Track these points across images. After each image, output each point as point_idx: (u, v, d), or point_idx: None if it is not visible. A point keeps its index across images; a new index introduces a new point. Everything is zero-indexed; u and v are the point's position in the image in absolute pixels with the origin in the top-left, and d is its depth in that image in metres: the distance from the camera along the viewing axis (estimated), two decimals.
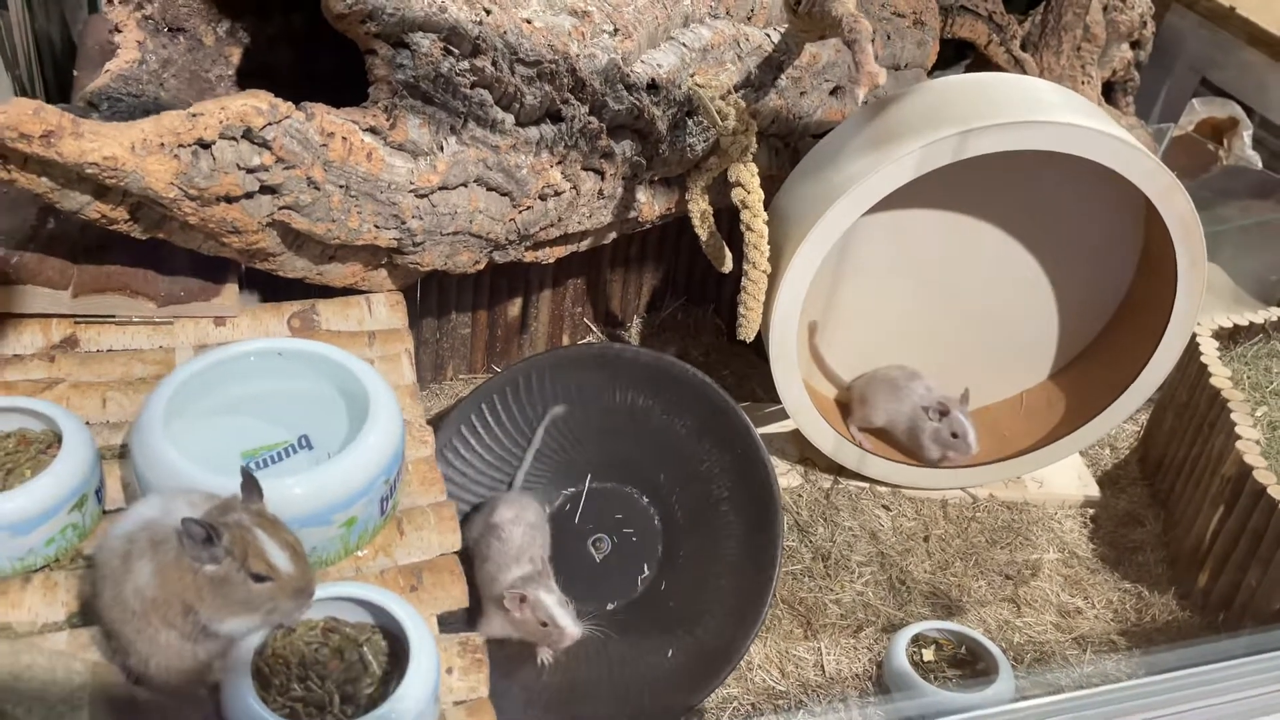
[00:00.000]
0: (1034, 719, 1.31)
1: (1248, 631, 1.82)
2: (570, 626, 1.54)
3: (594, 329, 2.51)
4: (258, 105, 1.34)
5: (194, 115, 1.31)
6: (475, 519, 1.74)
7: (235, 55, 1.79)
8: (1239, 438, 1.95)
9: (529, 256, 1.89)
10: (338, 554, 1.28)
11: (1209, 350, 2.20)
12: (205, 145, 1.33)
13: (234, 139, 1.34)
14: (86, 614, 1.20)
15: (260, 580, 1.02)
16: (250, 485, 1.06)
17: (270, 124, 1.35)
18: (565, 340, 2.48)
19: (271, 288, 1.75)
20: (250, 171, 1.37)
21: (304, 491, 1.23)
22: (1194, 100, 3.57)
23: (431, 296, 2.20)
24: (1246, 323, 2.31)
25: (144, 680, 1.05)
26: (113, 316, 1.59)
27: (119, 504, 1.35)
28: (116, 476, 1.36)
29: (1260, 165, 3.38)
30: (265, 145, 1.36)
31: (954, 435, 2.08)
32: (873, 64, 1.38)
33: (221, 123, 1.32)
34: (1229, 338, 2.30)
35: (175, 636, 1.03)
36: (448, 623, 1.31)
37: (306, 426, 1.38)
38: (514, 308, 2.33)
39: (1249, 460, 1.90)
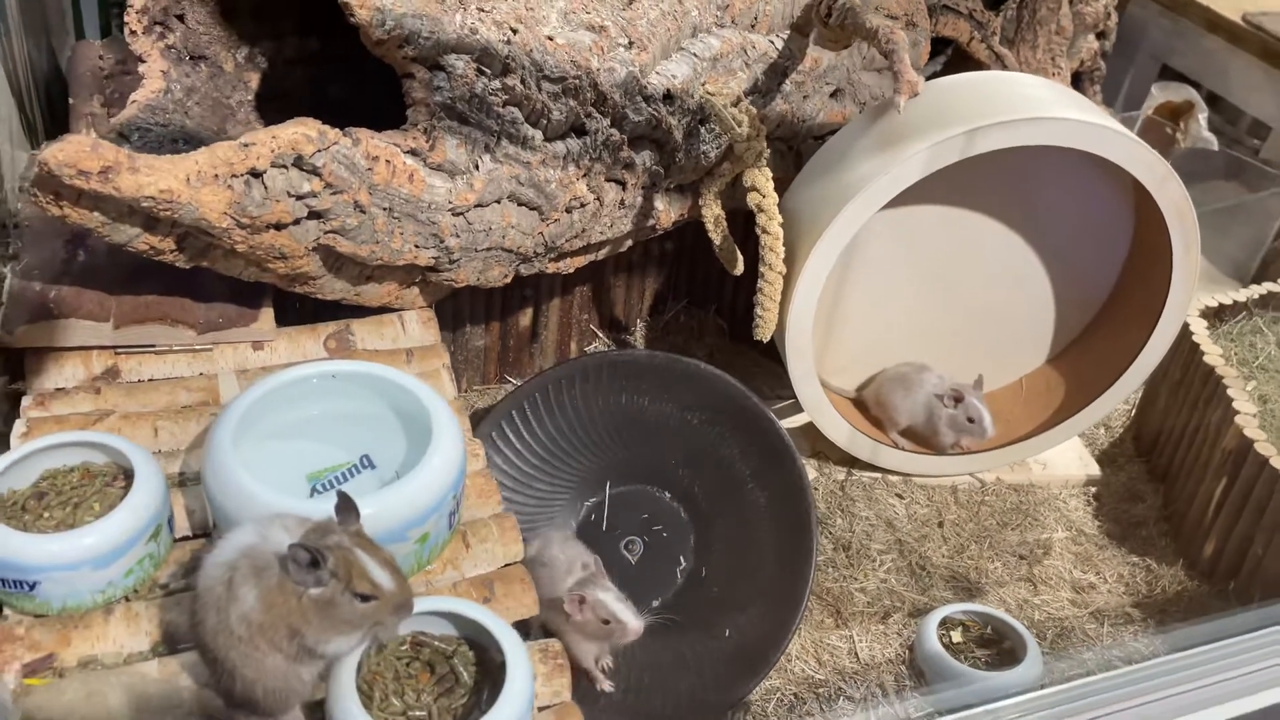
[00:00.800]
0: (1085, 696, 1.37)
1: (1257, 605, 1.90)
2: (632, 620, 1.56)
3: (600, 335, 2.55)
4: (308, 133, 1.36)
5: (246, 145, 1.33)
6: None
7: (254, 80, 1.80)
8: (1237, 412, 2.04)
9: (551, 267, 1.92)
10: (411, 569, 1.31)
11: (1199, 330, 2.29)
12: (257, 174, 1.35)
13: (285, 167, 1.36)
14: (170, 642, 1.22)
15: (365, 600, 1.04)
16: (347, 507, 1.09)
17: (319, 150, 1.37)
18: (573, 348, 2.51)
19: (302, 310, 1.77)
20: (300, 198, 1.39)
21: (375, 511, 1.25)
22: (1153, 86, 3.69)
23: (446, 310, 2.22)
24: (1230, 301, 2.41)
25: (247, 704, 1.08)
26: (152, 346, 1.60)
27: (185, 532, 1.37)
28: (181, 505, 1.37)
29: (1216, 146, 3.50)
30: (315, 172, 1.39)
31: (970, 420, 2.15)
32: (912, 73, 1.44)
33: (273, 151, 1.34)
34: (1215, 316, 2.39)
35: (281, 660, 1.05)
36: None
37: (366, 446, 1.40)
38: (525, 318, 2.36)
39: (1249, 434, 1.99)
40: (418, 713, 1.10)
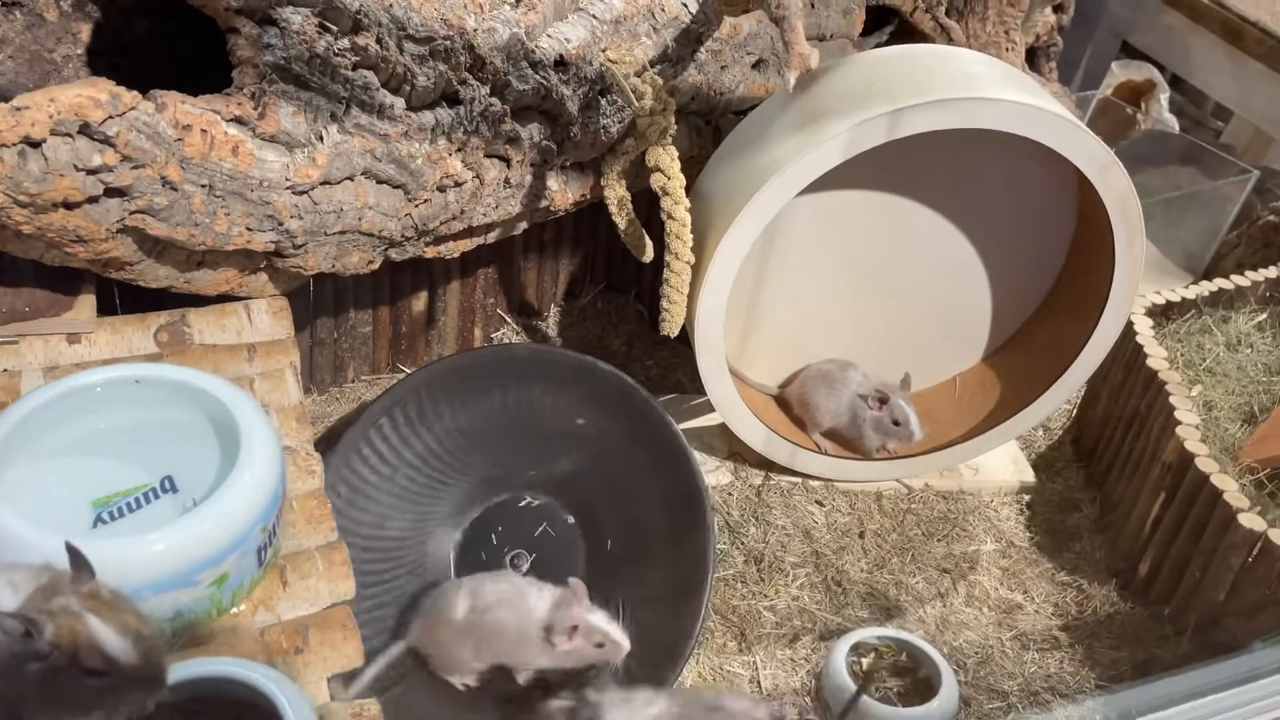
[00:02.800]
0: None
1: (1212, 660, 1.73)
2: (624, 640, 1.47)
3: (509, 320, 2.36)
4: (95, 96, 1.15)
5: (18, 109, 1.12)
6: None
7: (84, 32, 1.57)
8: (1179, 423, 1.89)
9: (430, 252, 1.72)
10: (208, 615, 1.12)
11: (1144, 329, 2.14)
12: (34, 144, 1.14)
13: (69, 135, 1.15)
14: None
15: (97, 675, 0.85)
16: (78, 561, 0.89)
17: (112, 117, 1.16)
18: (477, 334, 2.32)
19: (137, 296, 1.56)
20: (91, 173, 1.18)
21: (166, 548, 1.06)
22: (1113, 64, 3.54)
23: (327, 293, 2.01)
24: (1179, 298, 2.25)
25: None
26: None
27: None
28: None
29: (1177, 129, 3.36)
30: (107, 142, 1.17)
31: (895, 423, 1.99)
32: (804, 44, 1.25)
33: (51, 116, 1.13)
34: (1161, 314, 2.24)
35: None
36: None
37: (170, 466, 1.20)
38: (419, 302, 2.16)
39: (1190, 447, 1.83)
40: None
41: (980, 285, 2.15)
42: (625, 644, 1.47)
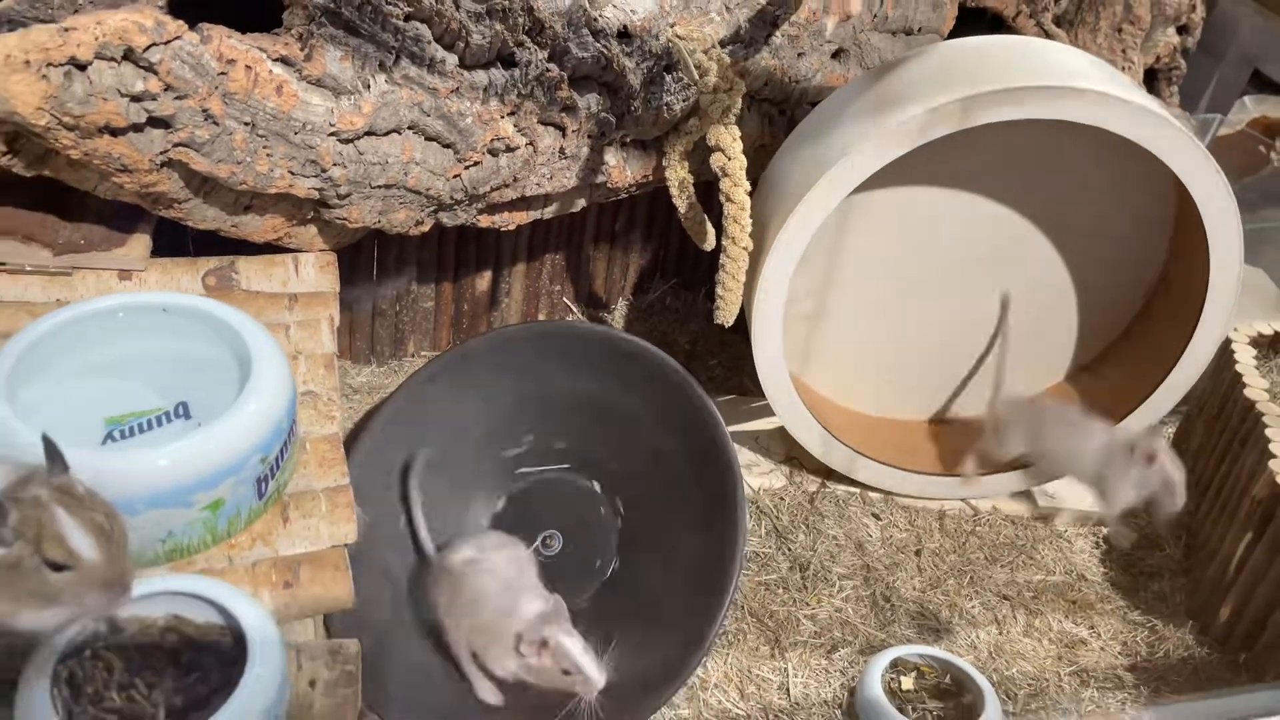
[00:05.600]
0: None
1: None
2: (596, 675, 1.32)
3: (574, 309, 2.34)
4: (141, 22, 1.17)
5: (66, 30, 1.15)
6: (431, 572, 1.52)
7: None
8: (1273, 456, 1.73)
9: (484, 221, 1.71)
10: (203, 540, 1.11)
11: (1245, 358, 1.98)
12: (80, 66, 1.16)
13: (114, 60, 1.17)
14: None
15: (59, 569, 0.85)
16: (52, 454, 0.89)
17: (156, 44, 1.18)
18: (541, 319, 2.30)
19: (206, 243, 1.58)
20: (135, 99, 1.20)
21: (164, 464, 1.06)
22: (1245, 97, 3.34)
23: (389, 264, 2.03)
24: None
25: None
26: (3, 264, 1.44)
27: None
28: None
29: None
30: (151, 69, 1.20)
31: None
32: None
33: (98, 39, 1.15)
34: (1269, 346, 2.07)
35: None
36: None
37: (188, 394, 1.21)
38: (483, 281, 2.15)
39: None
40: (136, 711, 0.91)
41: (1065, 299, 2.02)
42: (598, 680, 1.32)
